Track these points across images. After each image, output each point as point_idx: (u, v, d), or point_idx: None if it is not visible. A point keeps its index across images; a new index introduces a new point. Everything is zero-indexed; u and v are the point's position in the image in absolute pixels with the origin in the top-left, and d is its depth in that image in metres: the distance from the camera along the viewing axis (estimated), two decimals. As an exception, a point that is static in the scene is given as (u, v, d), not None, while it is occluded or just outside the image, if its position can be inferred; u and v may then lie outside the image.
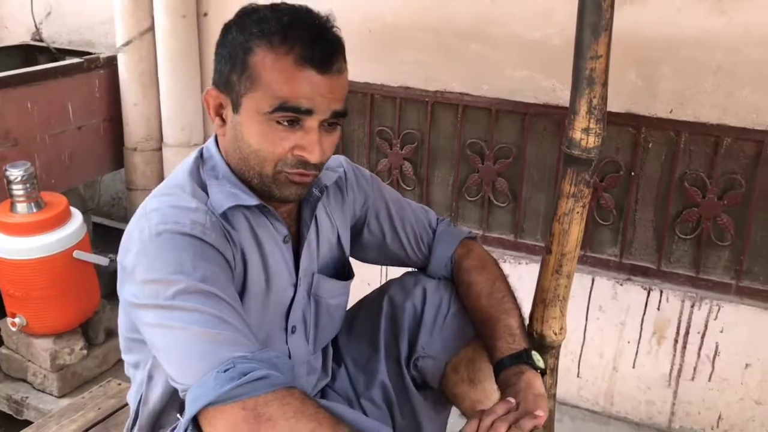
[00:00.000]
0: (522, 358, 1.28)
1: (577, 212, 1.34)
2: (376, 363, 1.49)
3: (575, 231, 1.36)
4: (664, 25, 2.04)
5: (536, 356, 1.30)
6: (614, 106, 1.90)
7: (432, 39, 2.35)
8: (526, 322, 1.42)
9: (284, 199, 1.21)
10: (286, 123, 1.13)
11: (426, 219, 1.54)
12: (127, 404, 1.86)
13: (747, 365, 2.16)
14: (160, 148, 2.65)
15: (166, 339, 1.06)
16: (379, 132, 2.52)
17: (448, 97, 2.37)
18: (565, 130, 1.32)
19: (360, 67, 2.20)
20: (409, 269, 1.59)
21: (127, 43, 2.54)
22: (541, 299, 1.43)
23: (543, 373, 1.28)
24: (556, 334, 1.44)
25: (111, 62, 2.66)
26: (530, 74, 2.25)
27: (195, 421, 1.03)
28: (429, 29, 2.34)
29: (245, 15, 1.17)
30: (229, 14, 1.20)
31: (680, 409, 2.29)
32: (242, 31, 1.14)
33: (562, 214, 1.35)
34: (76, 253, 2.22)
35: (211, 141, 1.27)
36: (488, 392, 1.39)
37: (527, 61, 2.24)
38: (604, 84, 1.26)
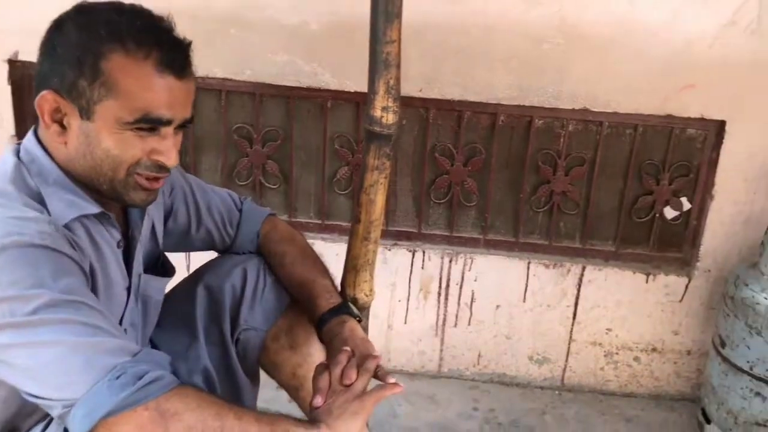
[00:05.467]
0: (342, 310, 1.43)
1: (381, 183, 1.47)
2: (197, 350, 1.50)
3: (380, 200, 1.49)
4: (411, 12, 2.24)
5: (353, 307, 1.46)
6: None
7: (191, 24, 2.28)
8: (338, 287, 1.55)
9: (133, 204, 1.20)
10: (144, 131, 1.11)
11: (231, 200, 1.60)
12: None
13: (497, 306, 2.51)
14: None
15: (34, 357, 0.98)
16: (139, 122, 2.42)
17: (210, 83, 2.37)
18: (366, 109, 1.43)
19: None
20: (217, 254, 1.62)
21: None
22: (352, 266, 1.54)
23: (360, 320, 1.45)
24: (367, 295, 1.57)
25: None
26: (292, 59, 2.33)
27: None
28: (186, 14, 2.27)
29: (84, 14, 1.10)
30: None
31: (447, 354, 2.59)
32: (87, 33, 1.08)
33: (368, 186, 1.47)
34: None
35: (29, 142, 1.17)
36: (306, 355, 1.51)
37: (288, 46, 2.32)
38: (398, 66, 1.40)
